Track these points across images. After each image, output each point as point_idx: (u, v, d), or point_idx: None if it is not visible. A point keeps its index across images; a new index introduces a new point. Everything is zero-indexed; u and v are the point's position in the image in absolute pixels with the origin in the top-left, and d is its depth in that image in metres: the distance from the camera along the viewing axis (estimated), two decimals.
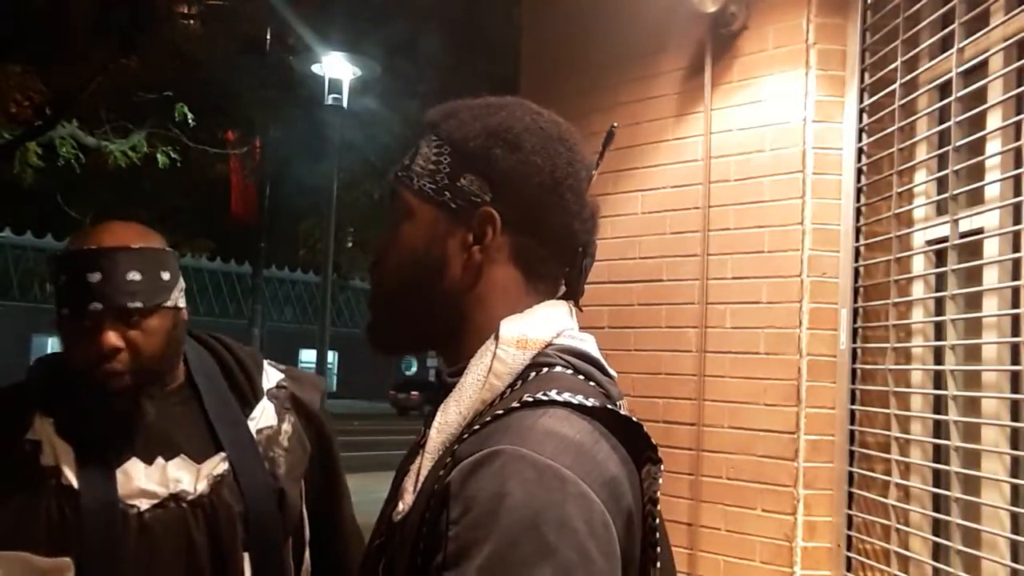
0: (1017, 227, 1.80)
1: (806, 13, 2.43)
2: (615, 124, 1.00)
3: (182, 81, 10.99)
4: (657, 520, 0.80)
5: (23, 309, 22.52)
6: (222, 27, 11.52)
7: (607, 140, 0.97)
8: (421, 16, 9.79)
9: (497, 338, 0.84)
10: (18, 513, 1.25)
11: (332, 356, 27.51)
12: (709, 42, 2.62)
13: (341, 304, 28.92)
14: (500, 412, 0.78)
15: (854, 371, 2.30)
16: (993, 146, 1.89)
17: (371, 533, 0.89)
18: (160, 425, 1.33)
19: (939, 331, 2.08)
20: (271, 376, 1.50)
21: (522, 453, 0.72)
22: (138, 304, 1.28)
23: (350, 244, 15.28)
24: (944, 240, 1.99)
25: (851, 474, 2.28)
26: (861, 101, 2.34)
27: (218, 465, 1.35)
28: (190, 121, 11.38)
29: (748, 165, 2.54)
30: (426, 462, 0.82)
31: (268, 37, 12.35)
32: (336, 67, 8.00)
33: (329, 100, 8.02)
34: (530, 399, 0.78)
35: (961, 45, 1.94)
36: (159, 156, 11.75)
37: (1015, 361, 1.79)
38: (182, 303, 1.37)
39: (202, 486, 1.33)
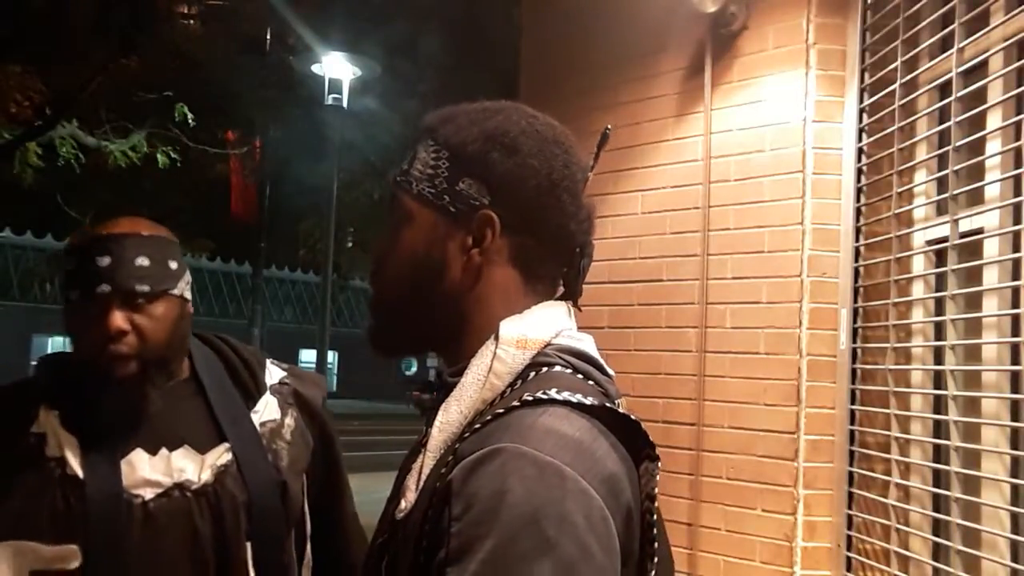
0: (1017, 227, 1.80)
1: (806, 13, 2.44)
2: (609, 126, 1.01)
3: (182, 81, 11.00)
4: (655, 516, 0.81)
5: (23, 309, 22.50)
6: (222, 27, 11.52)
7: (601, 142, 0.99)
8: (421, 16, 9.79)
9: (497, 338, 0.85)
10: (24, 504, 1.26)
11: (332, 356, 27.52)
12: (709, 42, 2.63)
13: (341, 304, 28.90)
14: (501, 411, 0.79)
15: (854, 371, 2.30)
16: (993, 146, 1.89)
17: (374, 531, 0.89)
18: (165, 417, 1.35)
19: (939, 331, 2.08)
20: (274, 374, 1.52)
21: (523, 451, 0.73)
22: (145, 288, 1.31)
23: (350, 244, 15.27)
24: (944, 240, 1.99)
25: (851, 474, 2.28)
26: (861, 101, 2.34)
27: (222, 456, 1.37)
28: (190, 121, 11.38)
29: (748, 165, 2.54)
30: (428, 460, 0.83)
31: (268, 37, 12.34)
32: (336, 67, 8.01)
33: (329, 100, 8.03)
34: (530, 398, 0.79)
35: (961, 45, 1.94)
36: (159, 156, 11.75)
37: (1015, 361, 1.79)
38: (188, 295, 1.40)
39: (206, 476, 1.35)
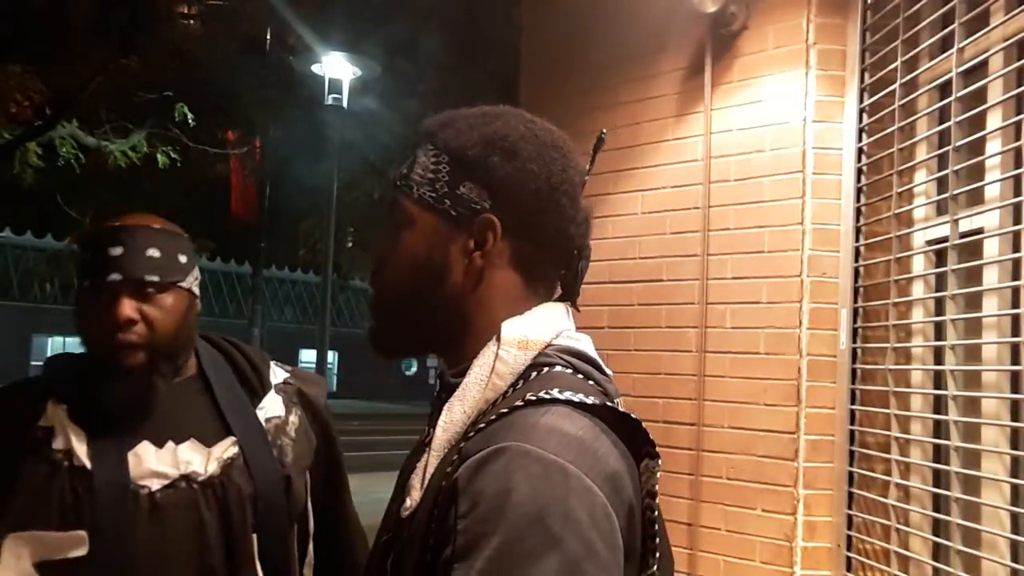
0: (1017, 227, 1.80)
1: (806, 13, 2.44)
2: (604, 130, 1.03)
3: (182, 81, 10.99)
4: (656, 513, 0.82)
5: (23, 309, 22.49)
6: (222, 27, 11.52)
7: (597, 145, 1.00)
8: (421, 16, 9.78)
9: (499, 339, 0.87)
10: (32, 496, 1.28)
11: (332, 356, 27.51)
12: (709, 42, 2.63)
13: (341, 304, 28.90)
14: (504, 410, 0.80)
15: (854, 371, 2.30)
16: (993, 146, 1.89)
17: (378, 529, 0.90)
18: (171, 411, 1.37)
19: (939, 331, 2.08)
20: (277, 374, 1.54)
21: (526, 449, 0.74)
22: (155, 278, 1.33)
23: (350, 244, 15.27)
24: (944, 240, 1.99)
25: (851, 474, 2.28)
26: (861, 101, 2.34)
27: (228, 448, 1.39)
28: (190, 121, 11.38)
29: (748, 165, 2.54)
30: (432, 459, 0.84)
31: (268, 37, 12.33)
32: (336, 67, 8.01)
33: (329, 100, 8.02)
34: (533, 398, 0.80)
35: (961, 45, 1.94)
36: (159, 156, 11.75)
37: (1015, 361, 1.79)
38: (197, 291, 1.42)
39: (213, 468, 1.36)
